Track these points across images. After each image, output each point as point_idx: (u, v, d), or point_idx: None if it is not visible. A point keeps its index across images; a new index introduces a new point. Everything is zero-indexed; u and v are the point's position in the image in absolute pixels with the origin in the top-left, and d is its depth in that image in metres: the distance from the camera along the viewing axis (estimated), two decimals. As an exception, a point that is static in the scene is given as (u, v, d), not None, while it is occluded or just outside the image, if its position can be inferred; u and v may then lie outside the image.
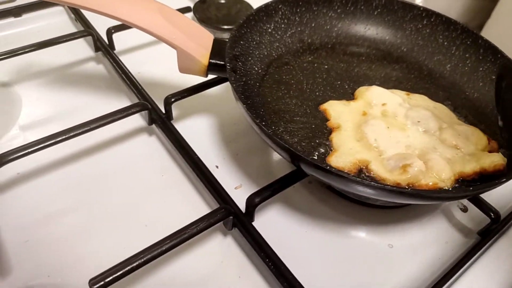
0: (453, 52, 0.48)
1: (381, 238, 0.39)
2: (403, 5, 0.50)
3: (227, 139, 0.46)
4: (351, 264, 0.37)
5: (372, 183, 0.30)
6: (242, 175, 0.43)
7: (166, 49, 0.55)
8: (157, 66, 0.53)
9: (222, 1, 0.62)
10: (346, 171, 0.35)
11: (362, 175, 0.36)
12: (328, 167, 0.32)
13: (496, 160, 0.36)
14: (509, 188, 0.44)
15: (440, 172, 0.36)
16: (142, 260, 0.30)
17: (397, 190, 0.31)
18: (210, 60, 0.41)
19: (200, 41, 0.41)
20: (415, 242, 0.39)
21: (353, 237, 0.39)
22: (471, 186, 0.35)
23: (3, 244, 0.35)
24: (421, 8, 0.50)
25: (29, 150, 0.36)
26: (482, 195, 0.39)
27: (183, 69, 0.41)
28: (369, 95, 0.44)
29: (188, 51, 0.39)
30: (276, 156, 0.45)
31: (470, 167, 0.37)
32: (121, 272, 0.29)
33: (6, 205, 0.38)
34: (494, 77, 0.44)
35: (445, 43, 0.49)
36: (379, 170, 0.37)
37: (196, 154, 0.41)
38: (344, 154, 0.38)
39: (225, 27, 0.58)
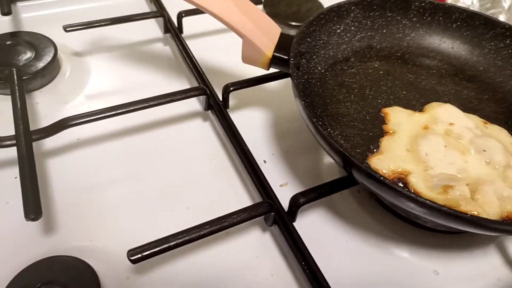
0: (535, 77, 0.44)
1: (427, 262, 0.37)
2: (485, 21, 0.47)
3: (278, 135, 0.46)
4: (390, 284, 0.35)
5: (428, 201, 0.28)
6: (289, 173, 0.42)
7: (231, 39, 0.56)
8: (220, 54, 0.54)
9: (294, -3, 0.62)
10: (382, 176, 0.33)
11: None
12: (382, 178, 0.30)
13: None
14: None
15: (486, 204, 0.33)
16: (180, 240, 0.30)
17: (454, 213, 0.29)
18: (275, 54, 0.40)
19: (268, 33, 0.41)
20: (463, 273, 0.37)
21: (396, 255, 0.37)
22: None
23: (55, 203, 0.37)
24: (506, 27, 0.46)
25: (91, 118, 0.38)
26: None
27: (246, 59, 0.41)
28: (439, 111, 0.41)
29: (254, 41, 0.39)
30: (326, 159, 0.44)
31: None
32: (158, 248, 0.30)
33: (62, 168, 0.40)
34: None
35: (527, 66, 0.45)
36: (418, 183, 0.34)
37: (246, 146, 0.40)
38: (388, 159, 0.36)
39: (293, 23, 0.57)
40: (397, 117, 0.41)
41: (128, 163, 0.41)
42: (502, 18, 1.10)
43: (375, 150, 0.38)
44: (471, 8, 1.09)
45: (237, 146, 0.41)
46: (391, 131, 0.40)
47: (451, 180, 0.34)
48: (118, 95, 0.48)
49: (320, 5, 0.62)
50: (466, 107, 0.43)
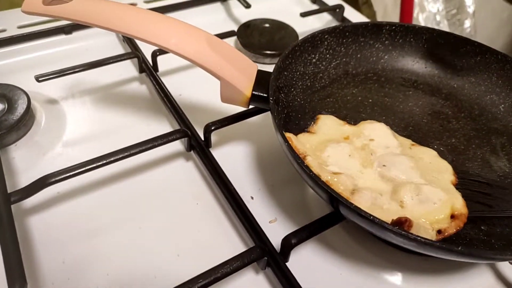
0: (508, 92, 0.45)
1: (420, 287, 0.37)
2: (455, 39, 0.48)
3: (263, 169, 0.46)
4: (388, 314, 0.35)
5: (419, 238, 0.29)
6: (277, 208, 0.42)
7: (205, 73, 0.56)
8: (197, 89, 0.54)
9: (266, 25, 0.62)
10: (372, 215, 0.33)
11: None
12: (371, 217, 0.30)
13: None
14: None
15: (359, 204, 0.34)
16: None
17: (446, 248, 0.29)
18: (253, 92, 0.40)
19: (245, 71, 0.41)
20: (458, 295, 0.37)
21: (391, 284, 0.37)
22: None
23: (40, 265, 0.36)
24: (475, 44, 0.47)
25: (71, 173, 0.37)
26: None
27: (225, 99, 0.41)
28: (367, 127, 0.43)
29: (232, 82, 0.39)
30: (311, 191, 0.44)
31: None
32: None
33: (44, 225, 0.39)
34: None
35: (500, 82, 0.46)
36: (312, 162, 0.37)
37: (232, 185, 0.40)
38: (300, 144, 0.39)
39: (268, 52, 0.58)
40: (325, 122, 0.43)
41: (112, 212, 0.40)
42: (467, 23, 1.14)
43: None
44: (437, 15, 1.12)
45: (223, 186, 0.40)
46: (312, 131, 0.42)
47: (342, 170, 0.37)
48: (97, 140, 0.47)
49: (293, 30, 0.62)
50: (446, 128, 0.44)
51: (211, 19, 0.67)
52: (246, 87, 0.40)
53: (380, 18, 0.98)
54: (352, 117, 0.45)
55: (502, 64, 0.46)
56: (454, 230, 0.35)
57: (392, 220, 0.33)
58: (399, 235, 0.29)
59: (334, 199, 0.32)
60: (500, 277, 0.38)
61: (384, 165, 0.39)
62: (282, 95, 0.43)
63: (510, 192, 0.39)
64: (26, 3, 0.37)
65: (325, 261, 0.38)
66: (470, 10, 1.10)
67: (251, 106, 0.43)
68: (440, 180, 0.38)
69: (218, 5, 0.69)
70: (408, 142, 0.43)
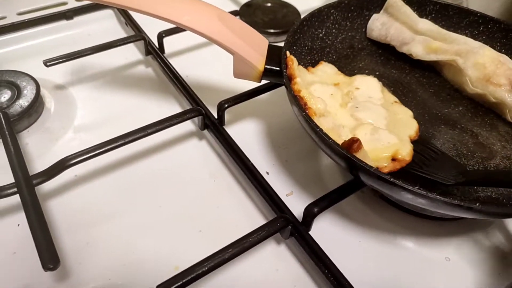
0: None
1: (438, 250, 0.38)
2: (459, 10, 0.49)
3: (276, 145, 0.46)
4: (408, 275, 0.36)
5: (438, 197, 0.30)
6: (293, 182, 0.43)
7: (212, 52, 0.56)
8: (203, 70, 0.54)
9: (268, 5, 0.62)
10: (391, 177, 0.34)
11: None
12: (391, 179, 0.31)
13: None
14: None
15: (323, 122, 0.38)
16: (206, 268, 0.30)
17: (464, 205, 0.30)
18: (266, 66, 0.41)
19: (257, 46, 0.41)
20: (472, 256, 0.38)
21: (408, 248, 0.38)
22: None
23: (64, 246, 0.36)
24: (478, 14, 0.48)
25: (90, 154, 0.37)
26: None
27: (238, 74, 0.42)
28: (359, 79, 0.45)
29: (246, 57, 0.39)
30: (325, 162, 0.45)
31: None
32: (186, 279, 0.29)
33: (66, 207, 0.39)
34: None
35: (503, 50, 0.47)
36: (300, 82, 0.39)
37: (249, 160, 0.41)
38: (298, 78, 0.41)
39: (271, 30, 0.58)
40: (324, 69, 0.46)
41: (131, 192, 0.41)
42: (465, 2, 1.15)
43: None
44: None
45: (239, 162, 0.41)
46: (310, 71, 0.45)
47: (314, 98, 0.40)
48: (108, 124, 0.47)
49: (295, 9, 0.63)
50: (441, 99, 0.45)
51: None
52: (259, 61, 0.40)
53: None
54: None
55: (504, 32, 0.47)
56: (388, 170, 0.37)
57: (344, 141, 0.35)
58: (420, 195, 0.30)
59: (356, 165, 0.33)
60: (508, 236, 0.40)
61: (357, 107, 0.42)
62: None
63: (444, 167, 0.39)
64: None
65: (343, 230, 0.39)
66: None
67: (263, 81, 0.43)
68: (400, 132, 0.41)
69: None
70: (392, 98, 0.45)
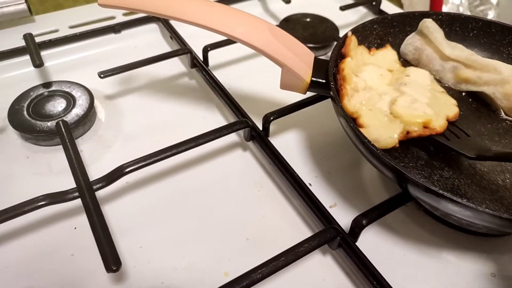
0: (556, 77, 0.46)
1: (483, 266, 0.38)
2: (501, 28, 0.49)
3: (319, 157, 0.47)
4: (455, 291, 0.37)
5: (487, 210, 0.30)
6: (335, 194, 0.44)
7: (254, 66, 0.57)
8: (246, 81, 0.55)
9: (308, 20, 0.64)
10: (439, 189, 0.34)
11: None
12: (440, 191, 0.32)
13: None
14: None
15: (353, 100, 0.41)
16: (260, 275, 0.31)
17: (507, 217, 0.30)
18: (313, 78, 0.42)
19: (303, 59, 0.42)
20: (519, 274, 0.38)
21: (453, 263, 0.39)
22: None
23: (120, 250, 0.37)
24: (521, 31, 0.48)
25: (146, 162, 0.39)
26: None
27: (285, 85, 0.43)
28: (410, 68, 0.47)
29: (294, 69, 0.41)
30: (368, 175, 0.46)
31: (369, 123, 0.40)
32: (241, 285, 0.31)
33: (119, 212, 0.41)
34: None
35: (547, 68, 0.47)
36: (349, 63, 0.43)
37: (294, 170, 0.42)
38: (347, 63, 0.44)
39: (311, 45, 0.59)
40: (385, 53, 0.49)
41: (180, 200, 0.42)
42: (491, 14, 1.14)
43: (418, 165, 0.40)
44: (460, 7, 1.12)
45: (285, 172, 0.42)
46: (372, 55, 0.48)
47: (359, 78, 0.43)
48: (156, 133, 0.49)
49: (333, 24, 0.64)
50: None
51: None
52: (306, 73, 0.41)
53: (406, 9, 0.99)
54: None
55: (550, 50, 0.47)
56: (417, 134, 0.40)
57: None
58: (468, 208, 0.31)
59: (404, 178, 0.33)
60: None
61: (404, 84, 0.44)
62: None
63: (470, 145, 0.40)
64: (102, -3, 0.39)
65: (387, 243, 0.40)
66: (494, 0, 1.10)
67: (307, 94, 0.44)
68: (439, 109, 0.42)
69: (255, 1, 0.71)
70: (440, 89, 0.46)
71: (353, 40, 0.44)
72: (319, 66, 0.43)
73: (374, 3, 0.68)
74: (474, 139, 0.42)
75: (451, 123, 0.42)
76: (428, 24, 0.49)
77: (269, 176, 0.45)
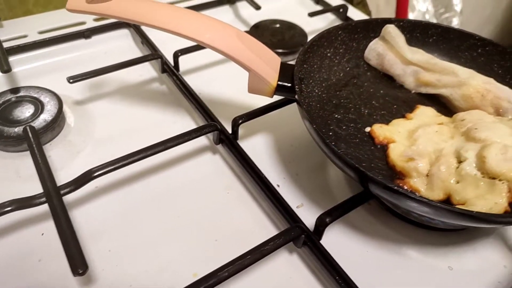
0: (507, 81, 0.49)
1: (441, 260, 0.40)
2: (459, 34, 0.52)
3: (286, 159, 0.48)
4: (414, 284, 0.38)
5: (440, 205, 0.32)
6: (302, 194, 0.45)
7: (224, 70, 0.59)
8: (216, 86, 0.56)
9: (276, 26, 0.65)
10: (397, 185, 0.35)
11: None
12: (396, 187, 0.33)
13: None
14: None
15: (432, 183, 0.37)
16: (226, 274, 0.32)
17: (465, 212, 0.32)
18: (279, 82, 0.43)
19: (270, 63, 0.44)
20: (473, 265, 0.40)
21: (414, 258, 0.40)
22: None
23: (87, 254, 0.38)
24: (477, 37, 0.51)
25: (114, 166, 0.39)
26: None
27: (252, 89, 0.44)
28: (459, 114, 0.44)
29: (261, 73, 0.42)
30: (334, 175, 0.47)
31: (467, 196, 0.36)
32: (206, 284, 0.31)
33: (87, 217, 0.41)
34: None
35: (500, 71, 0.50)
36: (393, 150, 0.41)
37: (262, 173, 0.43)
38: (387, 130, 0.43)
39: (280, 51, 0.61)
40: (423, 112, 0.46)
41: (150, 204, 0.43)
42: (455, 21, 1.19)
43: (384, 168, 0.41)
44: (426, 14, 1.17)
45: (253, 174, 0.43)
46: (411, 118, 0.45)
47: (415, 155, 0.39)
48: (126, 138, 0.49)
49: (302, 30, 0.66)
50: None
51: (223, 20, 0.69)
52: (273, 77, 0.43)
53: (374, 16, 1.03)
54: (363, 106, 0.48)
55: (502, 55, 0.50)
56: None
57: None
58: (424, 203, 0.32)
59: (365, 176, 0.35)
60: (508, 244, 0.42)
61: (476, 128, 0.39)
62: (303, 85, 0.46)
63: None
64: (70, 2, 0.39)
65: (351, 241, 0.41)
66: (458, 8, 1.15)
67: (275, 98, 0.46)
68: None
69: (226, 7, 0.72)
70: (505, 118, 0.43)
71: (381, 128, 0.43)
72: (285, 71, 0.44)
73: (341, 10, 0.70)
74: None
75: None
76: (390, 30, 0.51)
77: (238, 179, 0.46)
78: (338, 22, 0.71)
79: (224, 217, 0.42)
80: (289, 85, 0.43)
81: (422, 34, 0.53)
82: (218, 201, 0.44)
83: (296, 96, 0.41)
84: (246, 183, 0.45)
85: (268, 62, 0.43)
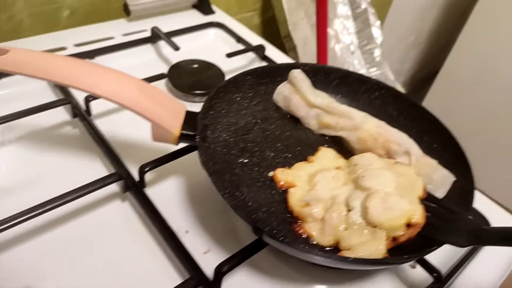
0: (400, 122, 0.53)
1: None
2: (357, 78, 0.56)
3: (197, 203, 0.49)
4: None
5: (320, 253, 0.34)
6: (211, 238, 0.46)
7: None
8: (130, 130, 0.56)
9: (195, 66, 0.67)
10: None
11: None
12: (281, 238, 0.36)
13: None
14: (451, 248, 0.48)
15: (325, 228, 0.40)
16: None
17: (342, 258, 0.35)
18: (182, 131, 0.45)
19: (173, 112, 0.45)
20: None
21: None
22: (406, 254, 0.38)
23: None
24: (373, 81, 0.55)
25: (10, 224, 0.38)
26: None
27: (156, 138, 0.45)
28: (354, 157, 0.47)
29: (161, 124, 0.43)
30: (240, 219, 0.48)
31: (352, 243, 0.38)
32: None
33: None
34: (436, 146, 0.50)
35: (395, 113, 0.54)
36: (293, 195, 0.43)
37: (166, 222, 0.43)
38: (289, 174, 0.46)
39: (197, 92, 0.62)
40: (324, 154, 0.49)
41: (55, 256, 0.42)
42: (377, 52, 1.27)
43: (284, 213, 0.43)
44: (351, 45, 1.24)
45: (158, 223, 0.43)
46: (312, 161, 0.48)
47: (312, 200, 0.42)
48: (33, 187, 0.48)
49: (219, 70, 0.68)
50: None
51: (142, 60, 0.70)
52: (175, 126, 0.44)
53: (301, 49, 1.07)
54: (268, 149, 0.50)
55: (395, 98, 0.54)
56: (406, 238, 0.38)
57: None
58: (305, 252, 0.35)
59: (257, 230, 0.37)
60: (402, 278, 0.45)
61: (363, 176, 0.43)
62: (209, 131, 0.48)
63: (457, 227, 0.39)
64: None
65: (256, 283, 0.43)
66: (378, 41, 1.23)
67: (181, 144, 0.47)
68: (409, 194, 0.41)
69: (148, 46, 0.73)
70: (391, 161, 0.46)
71: (282, 171, 0.45)
72: (189, 119, 0.46)
73: (259, 49, 0.73)
74: (453, 213, 0.39)
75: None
76: (296, 74, 0.54)
77: (146, 226, 0.46)
78: (257, 60, 0.74)
79: (128, 268, 0.42)
80: (193, 133, 0.45)
81: (326, 78, 0.57)
82: (124, 251, 0.44)
83: (197, 145, 0.43)
84: (154, 231, 0.45)
85: (171, 112, 0.45)
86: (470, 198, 0.42)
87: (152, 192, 0.47)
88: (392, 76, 1.28)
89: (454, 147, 0.47)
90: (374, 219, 0.39)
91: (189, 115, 0.46)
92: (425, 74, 2.07)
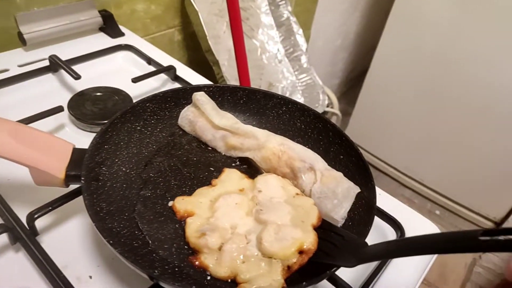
0: (309, 134, 0.53)
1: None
2: (264, 94, 0.55)
3: (101, 244, 0.46)
4: None
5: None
6: (119, 283, 0.43)
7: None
8: (21, 173, 0.52)
9: (98, 94, 0.63)
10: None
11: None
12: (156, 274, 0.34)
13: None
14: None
15: (222, 259, 0.38)
16: None
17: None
18: (67, 173, 0.41)
19: (56, 153, 0.42)
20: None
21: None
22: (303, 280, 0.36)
23: None
24: (279, 97, 0.55)
25: None
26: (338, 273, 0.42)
27: (39, 182, 0.42)
28: (259, 180, 0.46)
29: (41, 168, 0.40)
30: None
31: (250, 276, 0.37)
32: None
33: None
34: (342, 157, 0.49)
35: (302, 126, 0.54)
36: (191, 225, 0.41)
37: (61, 273, 0.40)
38: (189, 202, 0.44)
39: (100, 122, 0.58)
40: (229, 176, 0.47)
41: None
42: (303, 58, 1.29)
43: (185, 247, 0.41)
44: (278, 54, 1.24)
45: (50, 276, 0.40)
46: (216, 184, 0.46)
47: (209, 230, 0.40)
48: None
49: (127, 95, 0.64)
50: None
51: (42, 92, 0.65)
52: (58, 168, 0.41)
53: (226, 62, 1.06)
54: (173, 178, 0.48)
55: (301, 111, 0.54)
56: (298, 265, 0.38)
57: None
58: None
59: (150, 276, 0.34)
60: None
61: (261, 209, 0.42)
62: (104, 168, 0.44)
63: (347, 249, 0.39)
64: None
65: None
66: (303, 48, 1.25)
67: (72, 186, 0.43)
68: (303, 223, 0.41)
69: (49, 76, 0.68)
70: (294, 191, 0.46)
71: (181, 200, 0.43)
72: (77, 158, 0.42)
73: (170, 70, 0.70)
74: (344, 238, 0.39)
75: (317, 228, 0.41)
76: (198, 97, 0.52)
77: (42, 279, 0.42)
78: (170, 82, 0.72)
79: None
80: (80, 173, 0.41)
81: (233, 97, 0.55)
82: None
83: (82, 187, 0.40)
84: (48, 282, 0.41)
85: (53, 153, 0.41)
86: (372, 209, 0.42)
87: (47, 239, 0.43)
88: (321, 81, 1.30)
89: (357, 158, 0.47)
90: (268, 249, 0.38)
91: (77, 153, 0.43)
92: (358, 73, 2.13)
